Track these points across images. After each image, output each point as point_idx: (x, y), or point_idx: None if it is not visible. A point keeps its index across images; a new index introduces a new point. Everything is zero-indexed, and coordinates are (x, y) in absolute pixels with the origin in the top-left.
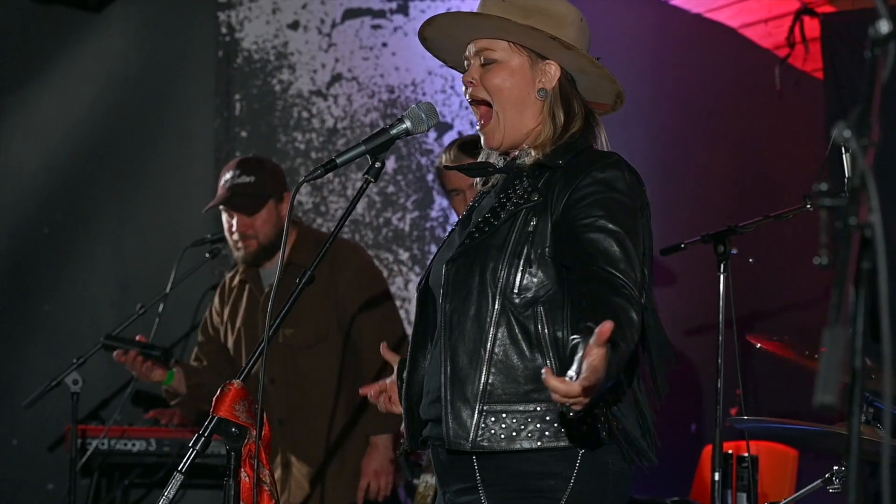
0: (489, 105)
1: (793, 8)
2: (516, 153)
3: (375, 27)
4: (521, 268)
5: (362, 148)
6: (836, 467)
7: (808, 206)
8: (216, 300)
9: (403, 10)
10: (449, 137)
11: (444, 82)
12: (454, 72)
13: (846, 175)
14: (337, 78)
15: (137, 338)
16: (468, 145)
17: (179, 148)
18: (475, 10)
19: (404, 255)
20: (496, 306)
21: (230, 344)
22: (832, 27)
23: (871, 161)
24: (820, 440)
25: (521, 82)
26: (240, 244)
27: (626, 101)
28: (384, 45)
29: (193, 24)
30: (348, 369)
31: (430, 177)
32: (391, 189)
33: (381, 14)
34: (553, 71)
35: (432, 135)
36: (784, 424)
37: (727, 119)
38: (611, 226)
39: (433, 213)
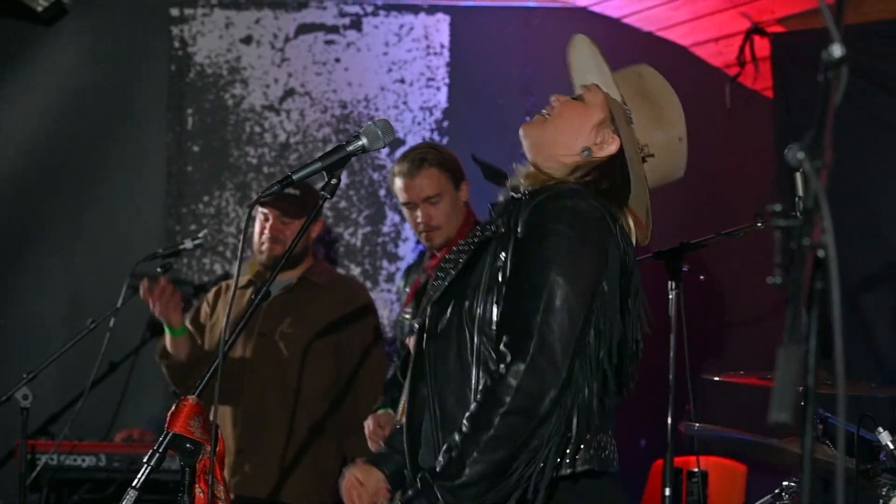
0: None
1: (743, 27)
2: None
3: (329, 42)
4: (494, 301)
5: (319, 164)
6: (785, 483)
7: (759, 223)
8: (210, 298)
9: (357, 25)
10: (401, 153)
11: (397, 98)
12: (407, 88)
13: (797, 194)
14: (290, 93)
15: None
16: (420, 153)
17: (131, 162)
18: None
19: (356, 271)
20: (475, 343)
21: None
22: (782, 47)
23: (825, 182)
24: (770, 454)
25: (582, 124)
26: (265, 246)
27: (645, 239)
28: (337, 60)
29: (146, 38)
30: (329, 384)
31: (382, 192)
32: (343, 204)
33: (334, 29)
34: (611, 142)
35: (385, 151)
36: (734, 435)
37: None
38: (545, 266)
39: (385, 229)
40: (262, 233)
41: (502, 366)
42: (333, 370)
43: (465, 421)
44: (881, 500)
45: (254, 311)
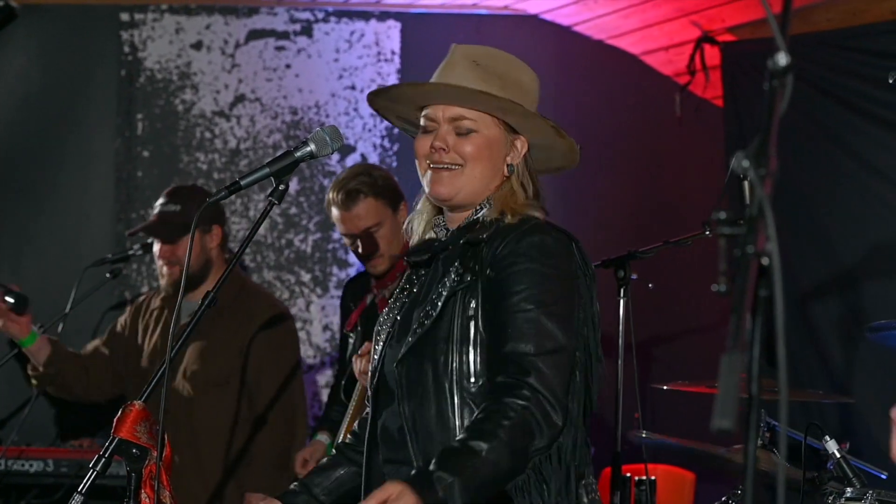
0: (451, 170)
1: (693, 36)
2: (460, 221)
3: (279, 48)
4: (470, 352)
5: (266, 170)
6: (732, 491)
7: (707, 232)
8: (129, 312)
9: (307, 31)
10: (352, 160)
11: (348, 104)
12: (358, 94)
13: (745, 203)
14: (240, 99)
15: (11, 287)
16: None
17: (80, 167)
18: (452, 80)
19: (306, 277)
20: (456, 400)
21: (142, 362)
22: (732, 55)
23: (769, 190)
24: (717, 463)
25: (496, 154)
26: (164, 270)
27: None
28: (288, 66)
29: (96, 42)
30: (241, 417)
31: None
32: (294, 210)
33: (284, 35)
34: (521, 146)
35: (335, 157)
36: (681, 444)
37: (628, 145)
38: (527, 306)
39: (335, 235)
40: (158, 259)
41: (503, 397)
42: (242, 403)
43: (463, 432)
44: None
45: (199, 320)
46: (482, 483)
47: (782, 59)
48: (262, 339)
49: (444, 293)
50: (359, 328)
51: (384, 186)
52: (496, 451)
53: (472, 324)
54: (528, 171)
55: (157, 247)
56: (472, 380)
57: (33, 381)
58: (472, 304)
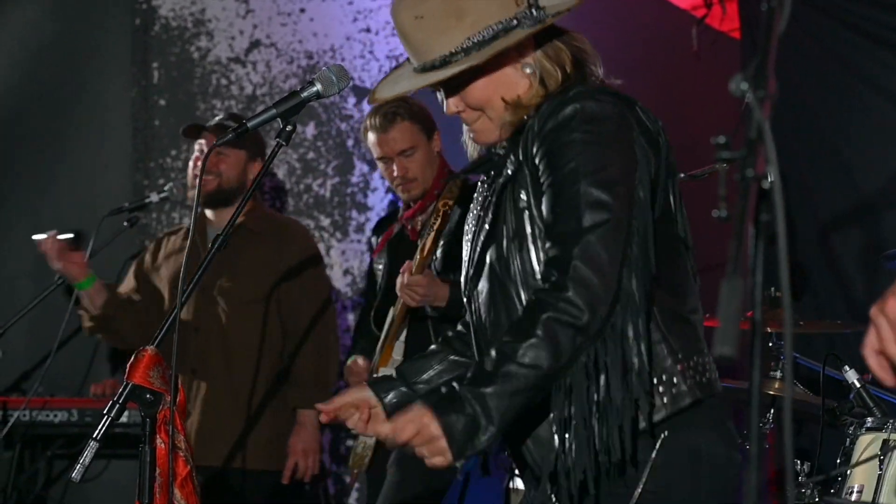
0: (478, 123)
1: None
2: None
3: None
4: (530, 249)
5: (273, 111)
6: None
7: (722, 164)
8: (152, 248)
9: None
10: (372, 107)
11: (363, 47)
12: (373, 37)
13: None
14: (255, 44)
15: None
16: (390, 107)
17: (97, 117)
18: (416, 63)
19: (325, 222)
20: (524, 302)
21: (164, 293)
22: None
23: (768, 113)
24: (739, 398)
25: (503, 77)
26: (197, 181)
27: None
28: (302, 10)
29: None
30: (274, 338)
31: (350, 143)
32: (311, 155)
33: None
34: (527, 43)
35: (351, 100)
36: None
37: (646, 80)
38: (571, 179)
39: (354, 179)
40: (195, 167)
41: (542, 287)
42: (276, 323)
43: (503, 335)
44: (848, 440)
45: (209, 262)
46: (518, 389)
47: None
48: (298, 261)
49: (492, 197)
50: (385, 256)
51: (420, 112)
52: (534, 350)
53: (525, 216)
54: (550, 55)
55: (199, 153)
56: (538, 278)
57: (87, 325)
58: (523, 196)
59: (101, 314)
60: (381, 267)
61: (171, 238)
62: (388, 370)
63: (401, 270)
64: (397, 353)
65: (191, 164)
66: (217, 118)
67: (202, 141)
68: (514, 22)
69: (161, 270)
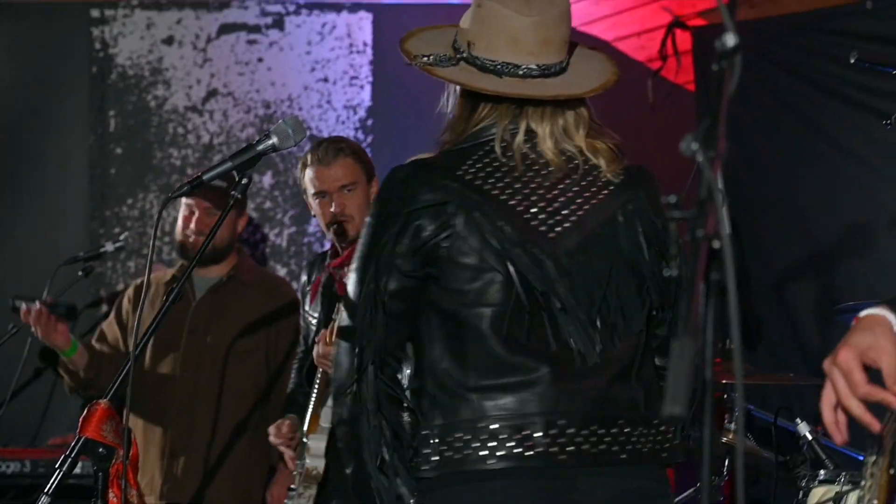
0: None
1: (665, 21)
2: None
3: (251, 42)
4: None
5: (229, 164)
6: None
7: (676, 217)
8: (131, 295)
9: (279, 24)
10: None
11: (321, 97)
12: (331, 87)
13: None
14: (212, 93)
15: (46, 298)
16: (335, 142)
17: (54, 165)
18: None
19: (282, 272)
20: None
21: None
22: (703, 40)
23: (718, 172)
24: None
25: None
26: (191, 240)
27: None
28: (260, 60)
29: (66, 39)
30: (262, 389)
31: None
32: (268, 205)
33: (256, 29)
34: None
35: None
36: None
37: None
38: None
39: (311, 229)
40: (186, 227)
41: None
42: (263, 371)
43: None
44: (801, 492)
45: (166, 313)
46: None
47: (730, 39)
48: (285, 315)
49: None
50: (320, 306)
51: (363, 153)
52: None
53: None
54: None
55: (192, 216)
56: None
57: (69, 385)
58: None
59: (84, 378)
60: (313, 320)
61: (151, 287)
62: (317, 437)
63: (316, 340)
64: (325, 420)
65: (180, 222)
66: (183, 187)
67: (191, 201)
68: None
69: (143, 317)
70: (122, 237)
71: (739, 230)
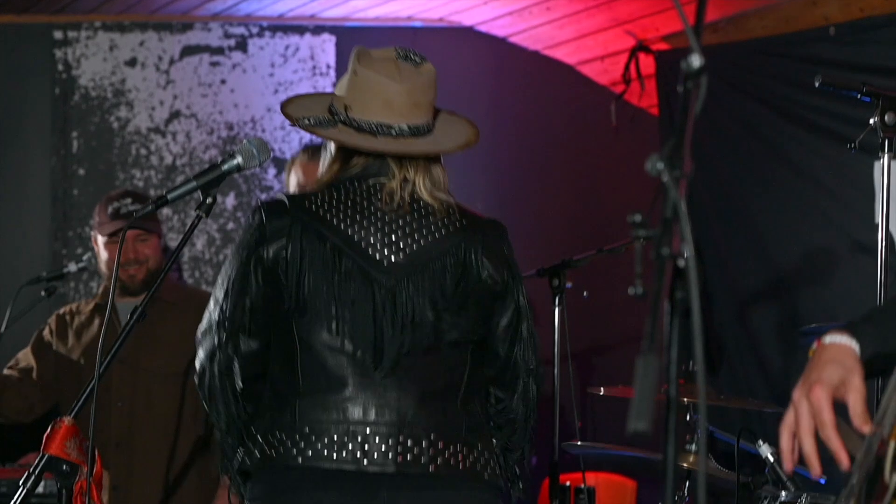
0: None
1: (628, 45)
2: None
3: (214, 64)
4: None
5: (193, 183)
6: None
7: (640, 238)
8: (52, 324)
9: (242, 47)
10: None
11: (284, 119)
12: None
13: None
14: (175, 115)
15: None
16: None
17: (16, 186)
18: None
19: None
20: None
21: (77, 367)
22: (666, 64)
23: (684, 192)
24: (656, 469)
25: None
26: (131, 271)
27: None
28: (223, 81)
29: (29, 61)
30: (196, 407)
31: None
32: (231, 226)
33: (219, 51)
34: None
35: (272, 171)
36: (617, 452)
37: (564, 155)
38: None
39: None
40: (123, 259)
41: None
42: (197, 393)
43: None
44: None
45: (128, 334)
46: None
47: (696, 60)
48: None
49: None
50: None
51: None
52: None
53: None
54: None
55: (114, 246)
56: None
57: None
58: None
59: None
60: None
61: (76, 316)
62: None
63: None
64: None
65: (106, 256)
66: (147, 206)
67: (114, 235)
68: None
69: (71, 345)
70: (84, 258)
71: (701, 253)
